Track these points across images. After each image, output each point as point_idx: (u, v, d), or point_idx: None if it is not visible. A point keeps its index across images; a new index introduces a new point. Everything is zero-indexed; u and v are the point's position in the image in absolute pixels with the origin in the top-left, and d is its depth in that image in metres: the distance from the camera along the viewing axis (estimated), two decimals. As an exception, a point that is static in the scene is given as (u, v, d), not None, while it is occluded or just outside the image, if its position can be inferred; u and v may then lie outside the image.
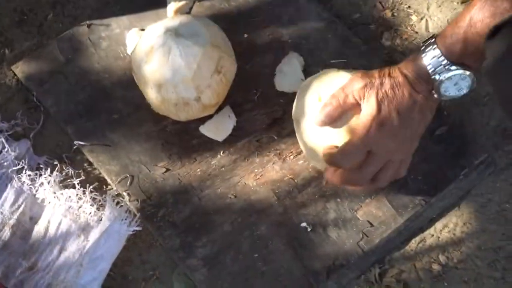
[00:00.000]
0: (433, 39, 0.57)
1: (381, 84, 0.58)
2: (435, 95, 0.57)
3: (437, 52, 0.56)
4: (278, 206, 0.69)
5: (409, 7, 0.72)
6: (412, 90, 0.58)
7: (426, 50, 0.57)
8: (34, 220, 0.71)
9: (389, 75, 0.59)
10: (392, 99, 0.58)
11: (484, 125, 0.73)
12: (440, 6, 0.71)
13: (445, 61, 0.55)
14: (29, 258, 0.69)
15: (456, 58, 0.55)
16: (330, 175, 0.63)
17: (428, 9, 0.71)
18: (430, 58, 0.56)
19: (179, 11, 0.74)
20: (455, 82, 0.56)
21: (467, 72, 0.55)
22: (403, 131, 0.59)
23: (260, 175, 0.71)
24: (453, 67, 0.56)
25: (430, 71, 0.56)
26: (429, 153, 0.71)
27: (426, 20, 0.71)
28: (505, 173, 0.72)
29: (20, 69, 0.76)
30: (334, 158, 0.60)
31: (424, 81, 0.57)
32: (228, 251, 0.67)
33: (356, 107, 0.60)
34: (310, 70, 0.74)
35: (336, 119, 0.61)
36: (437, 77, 0.56)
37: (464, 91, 0.57)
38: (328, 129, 0.61)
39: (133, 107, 0.74)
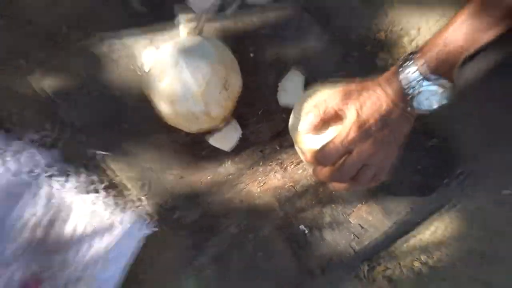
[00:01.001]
0: (412, 55, 0.59)
1: (360, 96, 0.61)
2: (409, 108, 0.60)
3: (413, 68, 0.58)
4: (279, 210, 0.74)
5: (401, 29, 0.74)
6: (389, 101, 0.60)
7: (403, 65, 0.59)
8: (64, 221, 0.77)
9: (368, 88, 0.61)
10: (370, 107, 0.60)
11: (468, 138, 0.76)
12: (430, 29, 0.74)
13: (419, 77, 0.58)
14: (60, 255, 0.76)
15: (434, 69, 0.58)
16: (316, 173, 0.65)
17: (419, 30, 0.74)
18: (406, 73, 0.59)
19: (190, 32, 0.78)
20: (427, 97, 0.59)
21: (438, 89, 0.58)
22: (380, 138, 0.60)
23: (263, 183, 0.75)
24: (425, 83, 0.58)
25: (404, 85, 0.59)
26: (416, 163, 0.75)
27: (417, 42, 0.74)
28: (486, 182, 0.76)
29: (51, 85, 0.80)
30: (316, 155, 0.62)
31: (400, 94, 0.60)
32: (235, 251, 0.73)
33: (336, 117, 0.62)
34: (310, 86, 0.77)
35: (317, 127, 0.63)
36: (411, 91, 0.59)
37: (435, 105, 0.59)
38: (319, 137, 0.65)
39: (148, 120, 0.78)
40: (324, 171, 0.64)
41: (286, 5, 0.78)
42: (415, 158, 0.75)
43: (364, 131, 0.60)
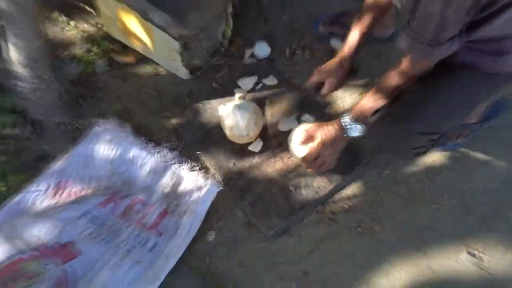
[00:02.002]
0: (348, 112, 1.34)
1: (326, 128, 1.33)
2: (346, 135, 1.36)
3: (348, 117, 1.29)
4: (280, 180, 1.52)
5: (336, 96, 1.58)
6: (338, 131, 1.30)
7: (344, 115, 1.31)
8: (178, 185, 1.54)
9: (328, 125, 1.33)
10: (328, 133, 1.30)
11: (366, 147, 1.53)
12: (350, 96, 1.57)
13: (351, 121, 1.28)
14: (176, 200, 1.53)
15: (356, 119, 1.27)
16: (305, 165, 1.40)
17: (344, 98, 1.58)
18: (345, 119, 1.29)
19: (240, 98, 1.62)
20: (355, 130, 1.29)
21: (360, 126, 1.27)
22: (332, 149, 1.32)
23: (273, 167, 1.55)
24: (355, 123, 1.27)
25: (344, 124, 1.31)
26: (343, 158, 1.52)
27: (343, 102, 1.56)
28: (375, 166, 1.54)
29: (176, 122, 1.64)
30: (304, 157, 1.36)
31: (343, 129, 1.30)
32: (260, 200, 1.48)
33: (312, 137, 1.37)
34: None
35: (306, 141, 1.37)
36: (347, 127, 1.30)
37: (360, 134, 1.29)
38: (301, 147, 1.42)
39: (221, 138, 1.58)
40: (307, 164, 1.39)
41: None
42: (343, 156, 1.54)
43: (325, 145, 1.32)
